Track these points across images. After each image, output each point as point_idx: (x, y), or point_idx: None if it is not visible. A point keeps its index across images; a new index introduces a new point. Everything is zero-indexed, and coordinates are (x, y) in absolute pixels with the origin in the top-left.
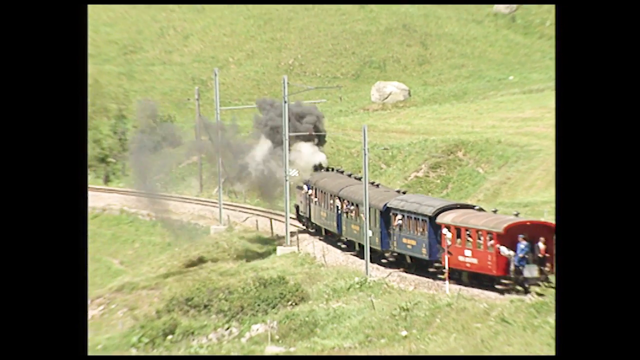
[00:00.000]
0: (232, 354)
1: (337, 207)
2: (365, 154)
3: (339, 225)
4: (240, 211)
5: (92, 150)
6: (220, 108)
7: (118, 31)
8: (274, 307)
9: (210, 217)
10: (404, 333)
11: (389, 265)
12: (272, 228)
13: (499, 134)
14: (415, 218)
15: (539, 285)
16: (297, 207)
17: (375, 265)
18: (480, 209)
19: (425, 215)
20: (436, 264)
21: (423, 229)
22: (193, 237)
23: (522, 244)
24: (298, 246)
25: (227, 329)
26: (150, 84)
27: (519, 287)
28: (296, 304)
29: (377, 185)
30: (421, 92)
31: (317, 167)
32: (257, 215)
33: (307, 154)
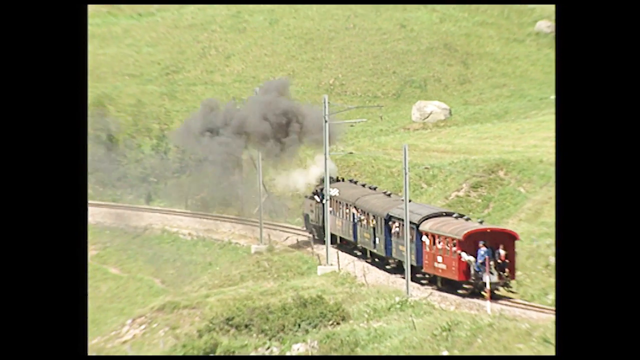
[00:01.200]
0: None
1: (354, 215)
2: (405, 174)
3: (354, 234)
4: (281, 230)
5: (134, 170)
6: None
7: (160, 51)
8: (314, 327)
9: (251, 236)
10: (445, 353)
11: (392, 271)
12: (312, 247)
13: (540, 154)
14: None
15: (497, 290)
16: (307, 217)
17: (416, 285)
18: (459, 216)
19: (413, 223)
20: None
21: (412, 236)
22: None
23: (482, 250)
24: (339, 265)
25: (268, 348)
26: (191, 104)
27: (482, 292)
28: (337, 323)
29: (389, 195)
30: (462, 111)
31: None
32: (298, 234)
33: (319, 165)
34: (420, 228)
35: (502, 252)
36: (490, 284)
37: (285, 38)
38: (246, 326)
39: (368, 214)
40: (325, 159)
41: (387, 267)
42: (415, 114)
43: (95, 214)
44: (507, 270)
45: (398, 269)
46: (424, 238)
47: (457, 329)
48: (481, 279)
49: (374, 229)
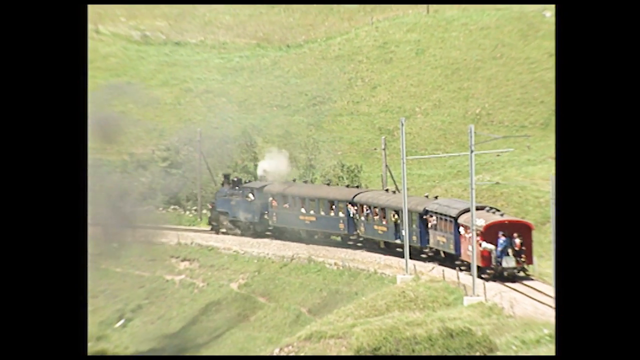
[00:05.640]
0: None
1: (349, 211)
2: (553, 204)
3: (349, 227)
4: (426, 260)
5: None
6: (407, 157)
7: (307, 83)
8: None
9: (397, 266)
10: None
11: (427, 259)
12: (458, 278)
13: None
14: (445, 219)
15: (516, 274)
16: (216, 214)
17: None
18: (493, 210)
19: (451, 217)
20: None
21: (450, 228)
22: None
23: (501, 239)
24: (485, 296)
25: None
26: (338, 134)
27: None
28: (484, 355)
29: (394, 192)
30: None
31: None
32: (442, 265)
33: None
34: (458, 221)
35: (517, 240)
36: (508, 268)
37: (432, 68)
38: (393, 357)
39: (384, 209)
40: (472, 189)
41: (422, 255)
42: None
43: (244, 244)
44: (523, 256)
45: (433, 258)
46: (461, 229)
47: None
48: (501, 264)
49: (395, 223)
